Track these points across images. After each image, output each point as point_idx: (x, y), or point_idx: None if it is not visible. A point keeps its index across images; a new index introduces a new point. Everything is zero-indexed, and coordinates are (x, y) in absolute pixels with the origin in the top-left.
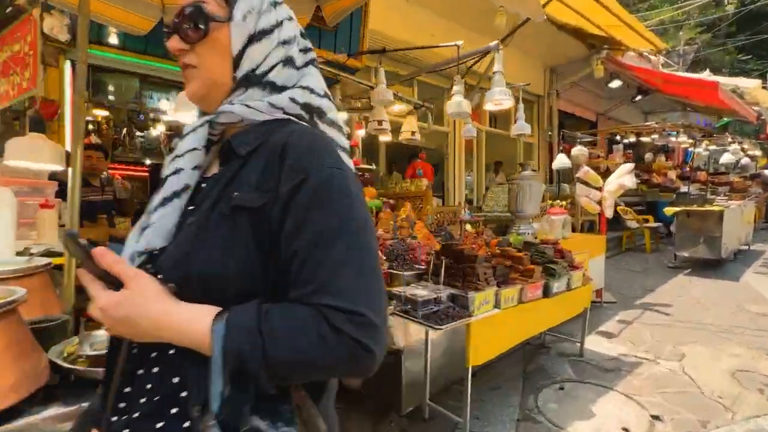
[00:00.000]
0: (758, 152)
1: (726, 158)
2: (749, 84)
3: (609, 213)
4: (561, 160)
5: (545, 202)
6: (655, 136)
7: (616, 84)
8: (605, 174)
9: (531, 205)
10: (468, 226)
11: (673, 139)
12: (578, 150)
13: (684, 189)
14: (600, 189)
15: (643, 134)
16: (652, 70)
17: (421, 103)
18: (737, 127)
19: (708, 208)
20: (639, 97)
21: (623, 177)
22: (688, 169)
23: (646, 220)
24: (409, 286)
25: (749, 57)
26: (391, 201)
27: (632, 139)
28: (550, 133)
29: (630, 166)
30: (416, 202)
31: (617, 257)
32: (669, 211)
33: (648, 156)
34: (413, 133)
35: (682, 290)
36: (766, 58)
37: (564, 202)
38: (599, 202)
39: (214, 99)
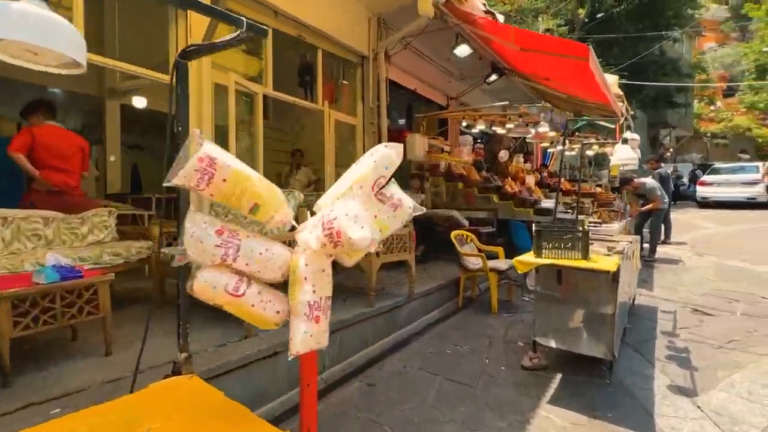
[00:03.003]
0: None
1: (624, 155)
2: (608, 79)
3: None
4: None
5: None
6: (511, 125)
7: (463, 51)
8: (450, 177)
9: None
10: None
11: (533, 130)
12: None
13: (545, 204)
14: (292, 233)
15: (496, 122)
16: (504, 26)
17: None
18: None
19: (593, 264)
20: (493, 77)
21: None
22: (546, 174)
23: (492, 256)
24: None
25: (599, 60)
26: None
27: (481, 126)
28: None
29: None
30: None
31: (442, 327)
32: (523, 266)
33: (503, 155)
34: None
35: None
36: (614, 65)
37: None
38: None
39: None
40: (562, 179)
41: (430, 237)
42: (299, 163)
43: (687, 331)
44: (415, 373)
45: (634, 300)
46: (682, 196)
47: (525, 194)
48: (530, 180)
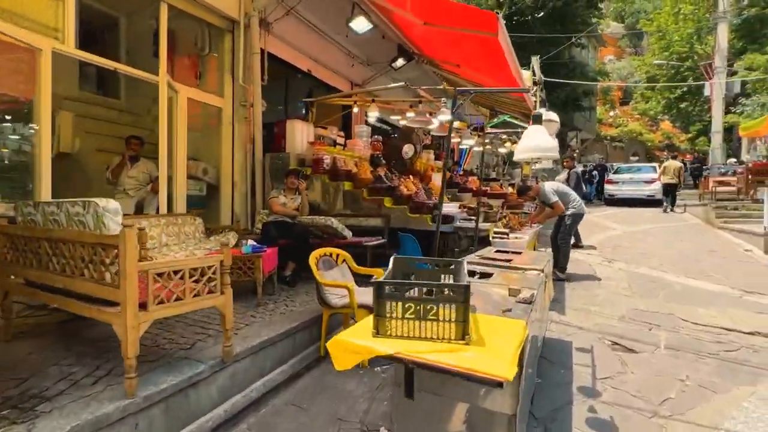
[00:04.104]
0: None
1: (537, 141)
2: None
3: None
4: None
5: None
6: (412, 114)
7: (361, 26)
8: (335, 175)
9: None
10: None
11: (436, 120)
12: None
13: (447, 208)
14: None
15: (395, 111)
16: None
17: None
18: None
19: (473, 363)
20: (401, 62)
21: None
22: (462, 173)
23: (364, 280)
24: None
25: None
26: None
27: (375, 113)
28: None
29: None
30: None
31: (278, 401)
32: (342, 357)
33: (407, 150)
34: None
35: None
36: (526, 67)
37: None
38: None
39: None
40: (474, 178)
41: (304, 252)
42: (137, 155)
43: (610, 384)
44: None
45: (544, 337)
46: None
47: (422, 197)
48: (436, 179)
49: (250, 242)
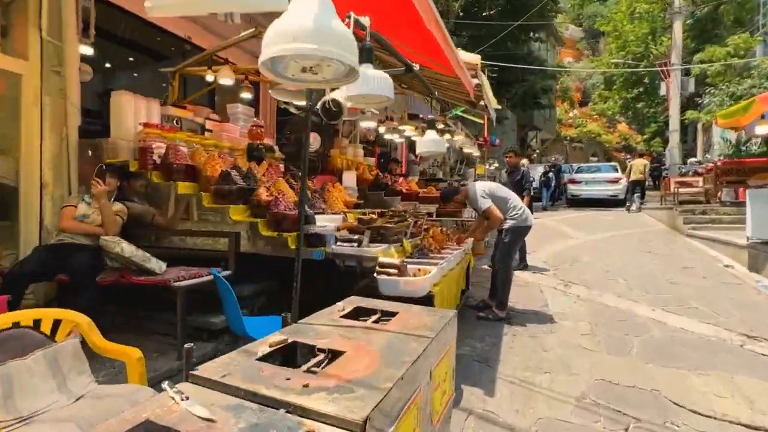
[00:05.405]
0: (476, 152)
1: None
2: (467, 57)
3: None
4: None
5: None
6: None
7: None
8: (169, 171)
9: None
10: None
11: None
12: None
13: (322, 223)
14: None
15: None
16: None
17: None
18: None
19: None
20: None
21: None
22: (392, 172)
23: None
24: None
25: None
26: None
27: (228, 81)
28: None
29: None
30: None
31: None
32: None
33: (311, 141)
34: None
35: None
36: (485, 59)
37: None
38: None
39: None
40: (408, 179)
41: (88, 297)
42: None
43: None
44: None
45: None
46: (533, 197)
47: (282, 205)
48: (349, 179)
49: None
